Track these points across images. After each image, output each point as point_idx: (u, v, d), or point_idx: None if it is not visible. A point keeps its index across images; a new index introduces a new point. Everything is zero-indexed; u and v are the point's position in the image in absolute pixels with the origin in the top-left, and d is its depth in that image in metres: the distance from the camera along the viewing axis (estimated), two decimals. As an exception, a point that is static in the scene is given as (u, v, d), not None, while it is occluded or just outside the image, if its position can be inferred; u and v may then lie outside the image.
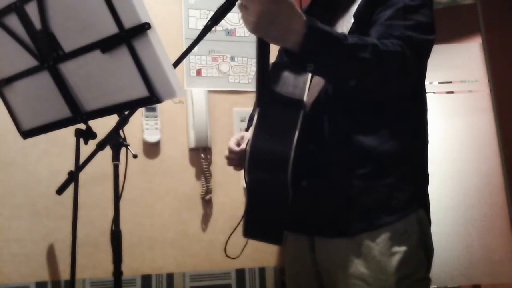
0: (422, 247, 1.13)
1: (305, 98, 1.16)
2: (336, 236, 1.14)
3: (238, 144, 1.26)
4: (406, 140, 1.16)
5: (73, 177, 1.35)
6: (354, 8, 1.19)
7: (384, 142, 1.13)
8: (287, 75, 1.20)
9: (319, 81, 1.19)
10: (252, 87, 1.19)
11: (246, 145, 1.15)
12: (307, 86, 1.18)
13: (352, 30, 1.15)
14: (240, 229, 1.22)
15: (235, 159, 1.26)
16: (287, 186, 1.08)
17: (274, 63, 1.23)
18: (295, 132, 1.08)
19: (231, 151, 1.26)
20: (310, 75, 1.19)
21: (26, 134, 1.32)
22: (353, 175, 1.13)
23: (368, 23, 1.14)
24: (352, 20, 1.17)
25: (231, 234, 1.28)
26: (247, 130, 1.38)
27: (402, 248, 1.09)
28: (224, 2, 1.08)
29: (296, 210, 1.15)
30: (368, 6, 1.16)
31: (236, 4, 0.99)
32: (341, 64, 1.02)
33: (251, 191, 1.17)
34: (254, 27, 0.96)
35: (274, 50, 1.13)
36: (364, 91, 1.11)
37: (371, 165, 1.13)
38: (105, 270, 1.96)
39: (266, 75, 1.11)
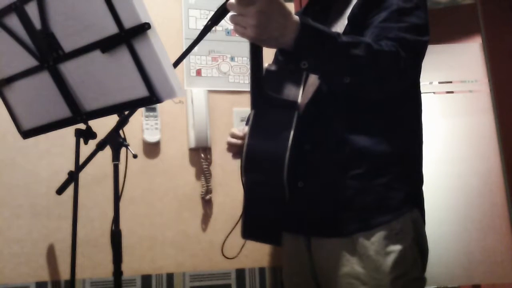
0: (417, 246, 1.14)
1: (299, 100, 1.16)
2: (332, 236, 1.15)
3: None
4: (401, 140, 1.17)
5: (73, 177, 1.35)
6: (348, 11, 1.20)
7: (379, 142, 1.14)
8: (281, 77, 1.20)
9: (313, 82, 1.19)
10: (252, 87, 1.19)
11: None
12: (301, 88, 1.18)
13: (346, 32, 1.16)
14: (238, 229, 1.23)
15: (237, 145, 1.26)
16: (283, 186, 1.09)
17: (268, 66, 1.24)
18: (290, 133, 1.09)
19: (233, 135, 1.26)
20: (304, 77, 1.20)
21: (26, 134, 1.32)
22: (348, 175, 1.14)
23: (362, 26, 1.15)
24: (346, 22, 1.18)
25: (228, 235, 1.28)
26: None
27: (397, 248, 1.10)
28: (224, 3, 1.08)
29: (292, 210, 1.15)
30: (362, 9, 1.17)
31: (230, 17, 0.99)
32: (334, 60, 1.03)
33: (248, 192, 1.18)
34: (256, 30, 0.96)
35: (268, 54, 1.13)
36: (359, 91, 1.11)
37: (366, 165, 1.13)
38: (105, 270, 1.97)
39: (260, 77, 1.11)
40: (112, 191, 1.39)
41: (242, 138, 1.24)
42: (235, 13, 0.98)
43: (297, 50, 0.99)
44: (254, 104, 1.15)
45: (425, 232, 1.18)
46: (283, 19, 0.97)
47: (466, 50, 2.64)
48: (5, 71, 1.26)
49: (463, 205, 2.43)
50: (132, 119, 1.38)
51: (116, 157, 1.39)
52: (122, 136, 1.39)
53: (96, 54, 1.09)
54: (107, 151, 1.38)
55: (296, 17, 0.99)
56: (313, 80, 1.19)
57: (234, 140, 1.27)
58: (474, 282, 2.49)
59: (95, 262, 1.99)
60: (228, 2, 0.98)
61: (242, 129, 1.28)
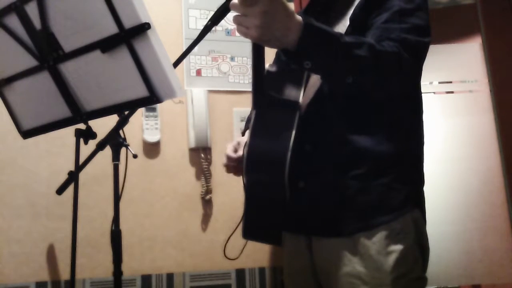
0: (418, 246, 1.14)
1: (300, 100, 1.16)
2: (333, 235, 1.15)
3: (235, 151, 1.27)
4: (401, 140, 1.17)
5: (73, 177, 1.35)
6: (349, 12, 1.20)
7: (380, 142, 1.14)
8: (282, 77, 1.20)
9: (314, 83, 1.19)
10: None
11: (244, 148, 1.16)
12: (302, 88, 1.18)
13: (347, 33, 1.16)
14: (239, 230, 1.23)
15: (234, 167, 1.27)
16: (284, 186, 1.09)
17: (269, 66, 1.24)
18: (291, 133, 1.09)
19: (229, 158, 1.27)
20: (305, 77, 1.20)
21: (26, 134, 1.32)
22: (349, 175, 1.14)
23: (364, 27, 1.16)
24: (348, 23, 1.18)
25: (230, 236, 1.28)
26: (243, 133, 1.39)
27: (398, 247, 1.10)
28: (224, 3, 1.08)
29: (293, 210, 1.15)
30: (364, 10, 1.17)
31: (233, 18, 0.99)
32: (337, 61, 1.03)
33: (249, 192, 1.18)
34: (259, 31, 0.96)
35: (269, 54, 1.13)
36: (360, 91, 1.11)
37: (367, 165, 1.13)
38: (105, 270, 1.96)
39: (262, 78, 1.11)
40: (112, 191, 1.39)
41: (237, 160, 1.25)
42: (237, 14, 0.98)
43: (301, 50, 0.99)
44: (256, 104, 1.15)
45: (426, 232, 1.18)
46: (286, 19, 0.97)
47: (466, 50, 2.64)
48: (5, 71, 1.26)
49: (463, 205, 2.43)
50: (132, 119, 1.38)
51: (116, 157, 1.39)
52: (122, 136, 1.39)
53: (96, 54, 1.09)
54: (107, 151, 1.38)
55: (299, 17, 0.99)
56: (314, 80, 1.19)
57: (230, 163, 1.27)
58: (474, 282, 2.49)
59: (95, 262, 1.99)
60: (231, 2, 0.97)
61: (237, 143, 1.28)
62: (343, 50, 1.02)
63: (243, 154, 1.14)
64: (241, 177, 1.18)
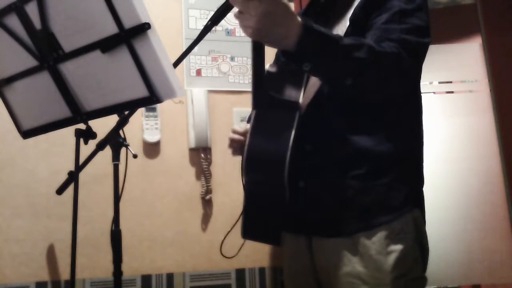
0: (418, 246, 1.15)
1: (300, 100, 1.16)
2: (333, 235, 1.15)
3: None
4: (401, 141, 1.17)
5: (73, 177, 1.35)
6: (349, 12, 1.20)
7: (380, 143, 1.14)
8: (282, 77, 1.21)
9: (314, 83, 1.19)
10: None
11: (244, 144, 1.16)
12: (303, 88, 1.18)
13: (347, 34, 1.16)
14: (238, 229, 1.23)
15: (238, 141, 1.27)
16: (284, 186, 1.09)
17: (269, 67, 1.24)
18: (291, 133, 1.09)
19: (234, 131, 1.27)
20: (305, 77, 1.20)
21: (26, 134, 1.32)
22: (349, 175, 1.14)
23: (364, 27, 1.16)
24: (348, 24, 1.18)
25: (227, 234, 1.29)
26: None
27: (398, 247, 1.10)
28: (224, 2, 1.09)
29: (293, 210, 1.15)
30: (364, 10, 1.17)
31: (235, 14, 1.00)
32: (337, 63, 1.04)
33: (248, 192, 1.18)
34: (254, 32, 0.97)
35: (270, 53, 1.13)
36: (360, 92, 1.11)
37: (367, 165, 1.14)
38: (105, 270, 1.96)
39: (262, 77, 1.11)
40: (112, 191, 1.39)
41: (243, 134, 1.25)
42: (239, 11, 0.98)
43: (300, 52, 1.00)
44: (256, 104, 1.16)
45: (425, 232, 1.19)
46: (287, 21, 0.97)
47: (466, 50, 2.64)
48: (5, 71, 1.26)
49: (463, 205, 2.43)
50: (132, 119, 1.38)
51: (116, 157, 1.39)
52: (122, 136, 1.39)
53: (96, 54, 1.09)
54: (107, 151, 1.38)
55: (299, 19, 0.99)
56: (314, 81, 1.20)
57: (236, 136, 1.27)
58: (474, 282, 2.49)
59: (95, 262, 1.99)
60: None
61: (243, 126, 1.29)
62: (342, 53, 1.02)
63: (243, 152, 1.14)
64: (241, 177, 1.18)
